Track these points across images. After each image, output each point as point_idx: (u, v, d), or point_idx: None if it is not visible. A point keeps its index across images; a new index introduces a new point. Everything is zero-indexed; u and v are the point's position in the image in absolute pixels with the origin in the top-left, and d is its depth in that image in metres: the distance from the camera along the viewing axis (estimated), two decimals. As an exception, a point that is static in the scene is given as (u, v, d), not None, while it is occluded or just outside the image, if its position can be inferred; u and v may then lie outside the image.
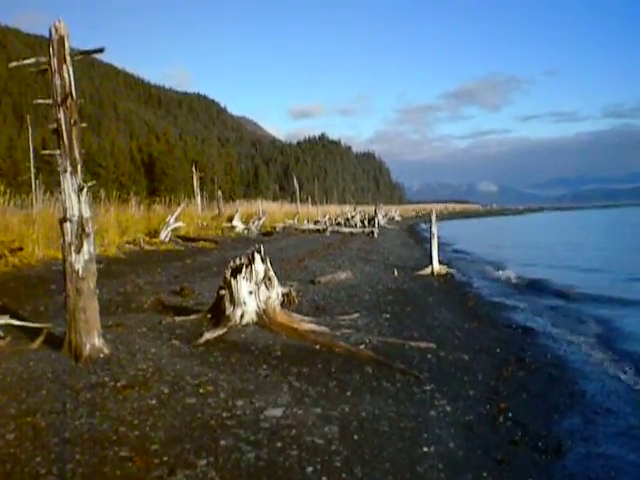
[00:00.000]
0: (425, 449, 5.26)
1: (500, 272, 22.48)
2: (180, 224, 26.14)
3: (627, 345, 11.00)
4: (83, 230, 7.11)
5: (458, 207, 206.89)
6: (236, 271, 9.06)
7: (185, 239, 25.39)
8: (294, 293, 10.02)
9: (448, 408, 6.45)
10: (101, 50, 7.32)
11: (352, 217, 51.17)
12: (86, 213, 7.18)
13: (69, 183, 7.08)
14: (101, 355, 7.20)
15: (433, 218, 20.05)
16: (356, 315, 10.71)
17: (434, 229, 19.73)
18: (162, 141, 70.96)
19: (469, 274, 21.27)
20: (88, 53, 7.67)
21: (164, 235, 24.16)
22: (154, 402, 5.80)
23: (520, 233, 64.72)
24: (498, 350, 9.53)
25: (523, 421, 6.43)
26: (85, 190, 7.15)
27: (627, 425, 6.65)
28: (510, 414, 6.56)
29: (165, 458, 4.65)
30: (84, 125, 7.37)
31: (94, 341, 7.23)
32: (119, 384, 6.28)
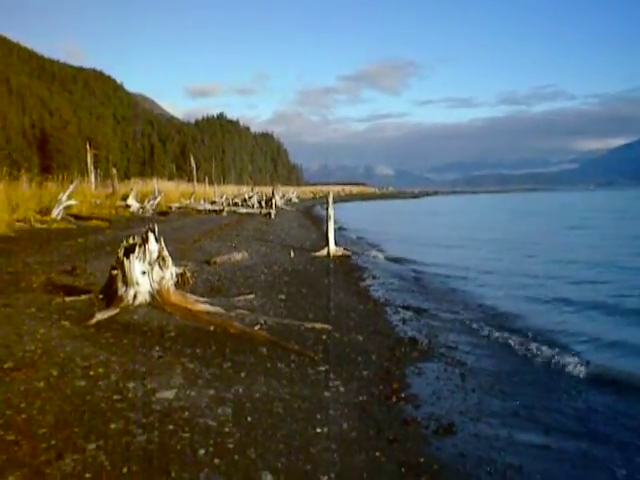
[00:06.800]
0: (319, 430, 5.28)
1: (389, 254, 22.86)
2: (73, 202, 25.43)
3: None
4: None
5: (355, 189, 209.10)
6: (129, 250, 8.80)
7: (78, 217, 24.70)
8: (189, 273, 9.84)
9: (342, 389, 6.50)
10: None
11: (250, 198, 51.02)
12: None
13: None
14: (-14, 336, 6.92)
15: (330, 200, 20.17)
16: (251, 296, 10.67)
17: (330, 211, 19.87)
18: (56, 117, 68.89)
19: (364, 256, 21.49)
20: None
21: (56, 213, 23.47)
22: (42, 385, 5.58)
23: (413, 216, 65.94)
24: (392, 331, 9.67)
25: (415, 401, 6.54)
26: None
27: (518, 404, 6.88)
28: (403, 394, 6.67)
29: (53, 442, 4.48)
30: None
31: (-22, 322, 6.95)
32: (6, 366, 6.00)
